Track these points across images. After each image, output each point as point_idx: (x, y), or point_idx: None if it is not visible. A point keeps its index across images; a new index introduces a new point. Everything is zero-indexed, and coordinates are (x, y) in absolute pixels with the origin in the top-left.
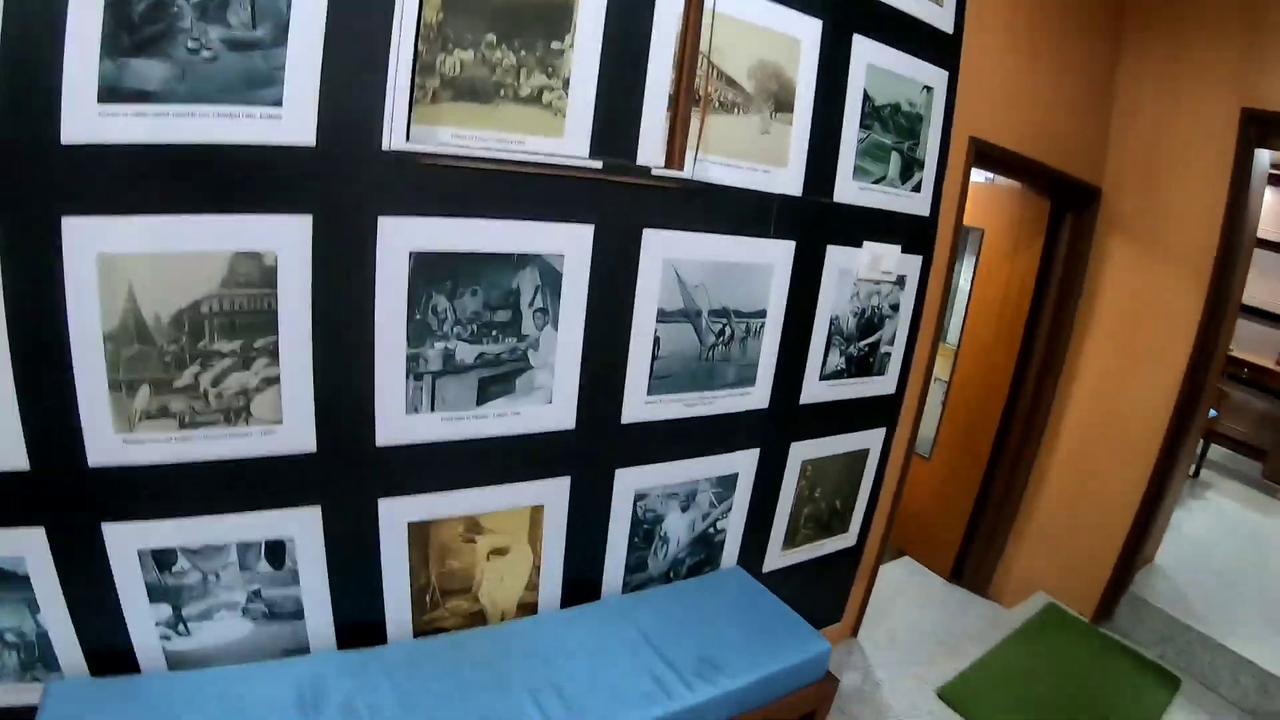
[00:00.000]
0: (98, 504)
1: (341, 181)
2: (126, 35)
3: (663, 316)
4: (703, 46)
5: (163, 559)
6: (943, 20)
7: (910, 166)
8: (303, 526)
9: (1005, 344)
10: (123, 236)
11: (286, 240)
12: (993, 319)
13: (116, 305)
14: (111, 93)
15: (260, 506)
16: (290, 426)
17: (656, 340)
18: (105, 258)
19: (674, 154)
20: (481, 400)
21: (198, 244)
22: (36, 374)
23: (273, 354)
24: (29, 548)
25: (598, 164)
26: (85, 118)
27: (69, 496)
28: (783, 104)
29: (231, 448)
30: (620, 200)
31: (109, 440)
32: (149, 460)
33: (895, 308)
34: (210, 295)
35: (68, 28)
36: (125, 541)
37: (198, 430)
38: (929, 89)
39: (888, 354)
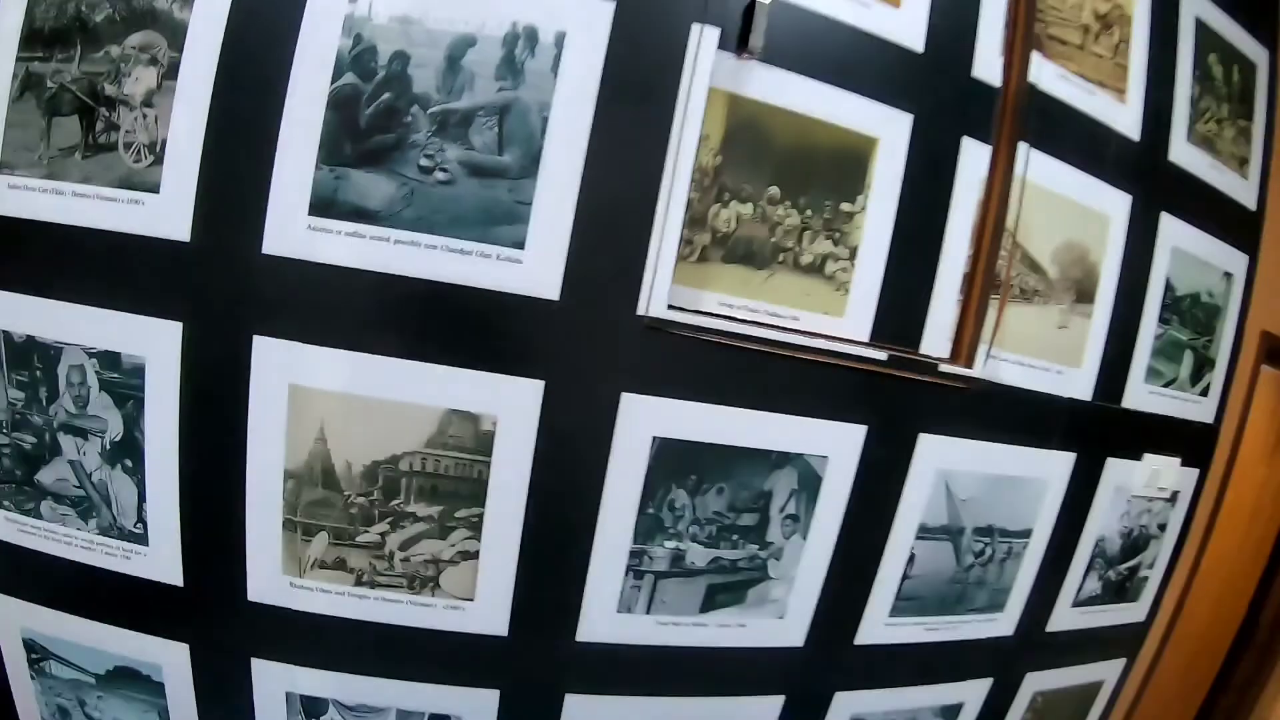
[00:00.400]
0: (252, 638)
1: (585, 347)
2: (350, 143)
3: (923, 532)
4: (1008, 221)
5: (313, 707)
6: (1246, 195)
7: (1202, 367)
8: (476, 709)
9: (1250, 560)
10: (320, 369)
11: (511, 405)
12: (1239, 530)
13: (304, 443)
14: (325, 206)
15: (434, 680)
16: (482, 606)
17: (911, 558)
18: (298, 390)
19: (963, 347)
20: (706, 608)
21: (406, 393)
22: (205, 492)
23: (475, 527)
24: (169, 660)
25: (881, 354)
26: (292, 230)
27: (221, 623)
28: (1083, 293)
29: (411, 616)
30: (898, 397)
31: (275, 579)
32: (315, 609)
33: (1163, 528)
34: (412, 452)
35: (283, 125)
36: (275, 681)
37: (375, 591)
38: (1228, 275)
39: (1145, 578)
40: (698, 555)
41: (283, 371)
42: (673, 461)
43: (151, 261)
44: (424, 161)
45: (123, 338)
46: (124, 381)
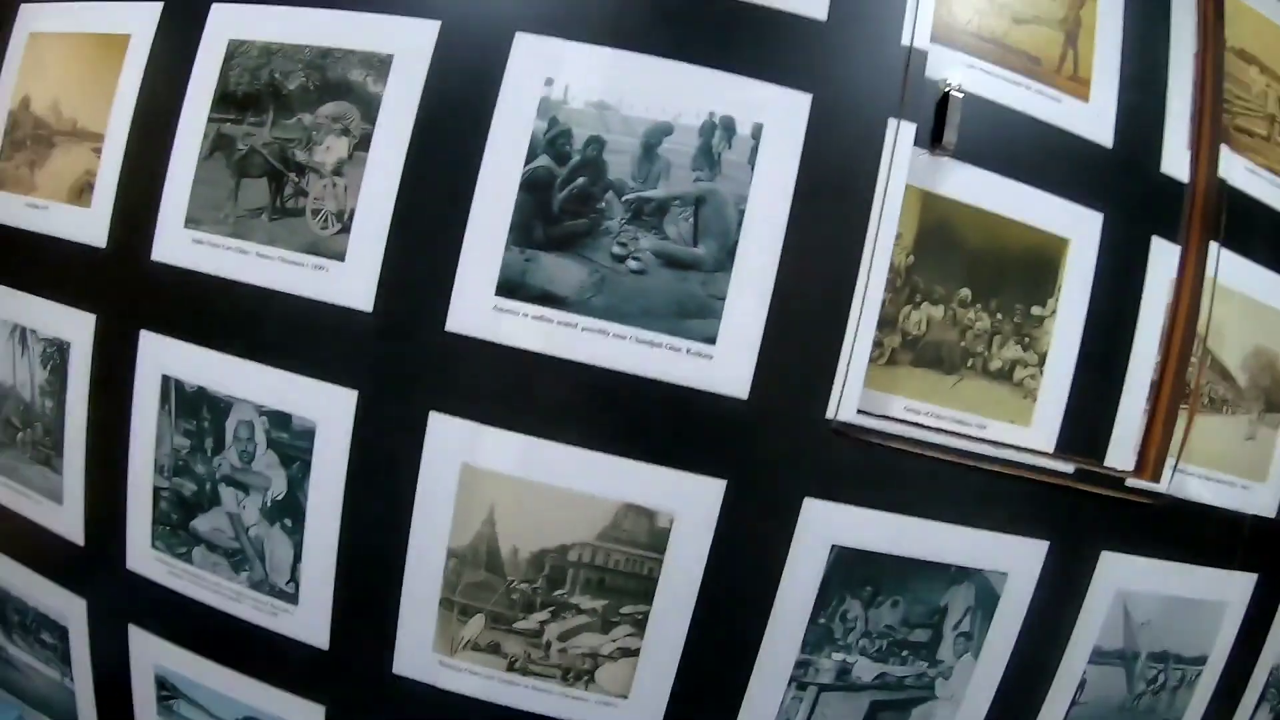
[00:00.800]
0: (392, 710)
1: (771, 449)
2: (541, 225)
3: (1096, 656)
4: (1199, 325)
5: None
6: None
7: None
8: None
9: None
10: (495, 451)
11: (690, 504)
12: None
13: (472, 524)
14: (513, 288)
15: None
16: (636, 705)
17: (1082, 683)
18: (470, 470)
19: (1149, 459)
20: None
21: (581, 483)
22: (363, 560)
23: (639, 624)
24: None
25: (1068, 467)
26: (477, 309)
27: (362, 691)
28: (1272, 402)
29: (560, 707)
30: (1081, 512)
31: (424, 655)
32: (462, 689)
33: None
34: (583, 544)
35: (474, 203)
36: None
37: (527, 679)
38: None
39: None
40: (864, 670)
41: (457, 450)
42: (850, 571)
43: (332, 328)
44: (617, 249)
45: (296, 400)
46: (292, 443)
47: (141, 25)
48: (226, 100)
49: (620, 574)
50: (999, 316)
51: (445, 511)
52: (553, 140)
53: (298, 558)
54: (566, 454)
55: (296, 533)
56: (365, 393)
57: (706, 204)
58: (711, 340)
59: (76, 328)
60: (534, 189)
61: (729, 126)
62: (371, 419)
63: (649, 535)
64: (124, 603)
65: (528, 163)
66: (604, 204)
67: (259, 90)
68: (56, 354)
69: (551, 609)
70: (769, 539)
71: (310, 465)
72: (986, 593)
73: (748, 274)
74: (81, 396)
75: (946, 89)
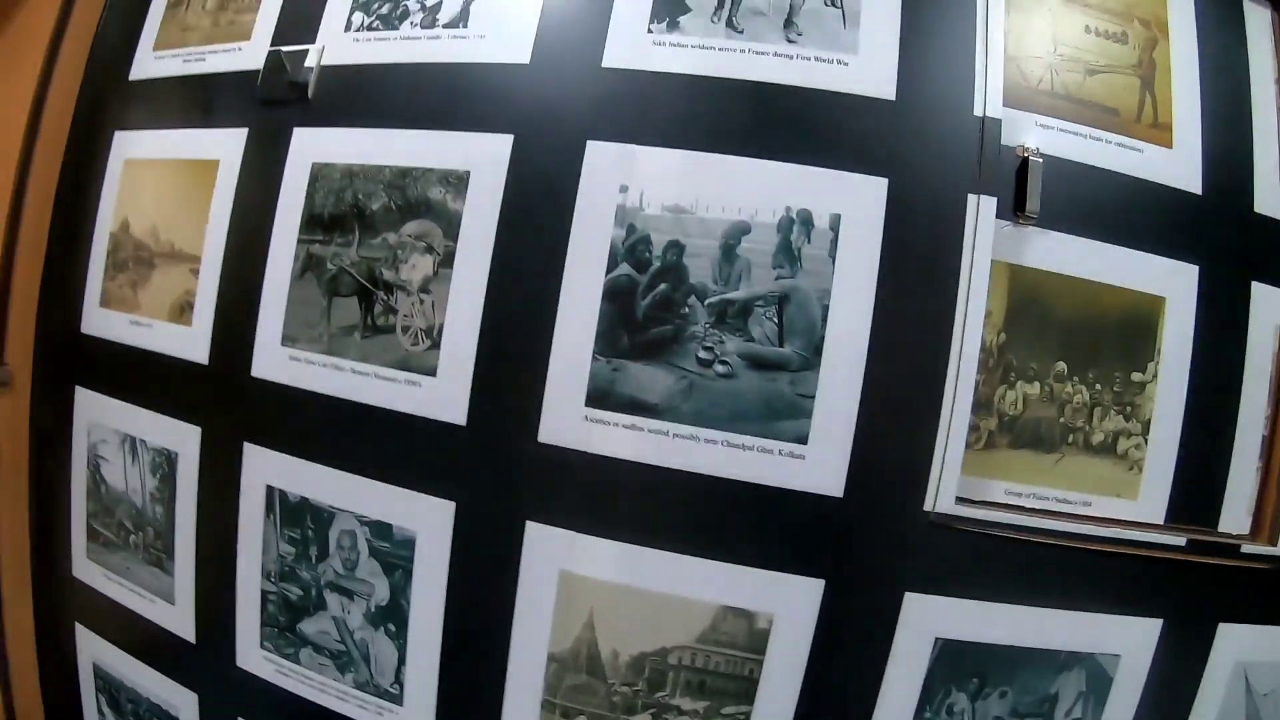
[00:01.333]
0: None
1: (869, 545)
2: (626, 334)
3: None
4: None
5: None
6: None
7: None
8: None
9: None
10: (591, 558)
11: (789, 604)
12: None
13: (571, 629)
14: (602, 397)
15: None
16: None
17: None
18: (568, 577)
19: (1264, 520)
20: None
21: (679, 587)
22: (465, 664)
23: None
24: None
25: (1179, 539)
26: (568, 420)
27: None
28: None
29: None
30: (1195, 583)
31: None
32: None
33: None
34: (682, 647)
35: (559, 315)
36: None
37: None
38: None
39: None
40: None
41: (554, 558)
42: (955, 663)
43: (428, 441)
44: (703, 354)
45: (396, 510)
46: (394, 552)
47: (229, 151)
48: (314, 222)
49: (721, 675)
50: (1098, 387)
51: (545, 617)
52: (632, 248)
53: (402, 660)
54: (662, 559)
55: (400, 637)
56: (463, 503)
57: (790, 301)
58: (803, 440)
59: (183, 439)
60: (617, 297)
61: (806, 220)
62: (470, 528)
63: (748, 636)
64: (234, 697)
65: (609, 271)
66: (687, 309)
67: (344, 211)
68: (165, 463)
69: (653, 711)
70: (871, 636)
71: (411, 573)
72: (1099, 676)
73: (835, 369)
74: (190, 504)
75: (1024, 155)
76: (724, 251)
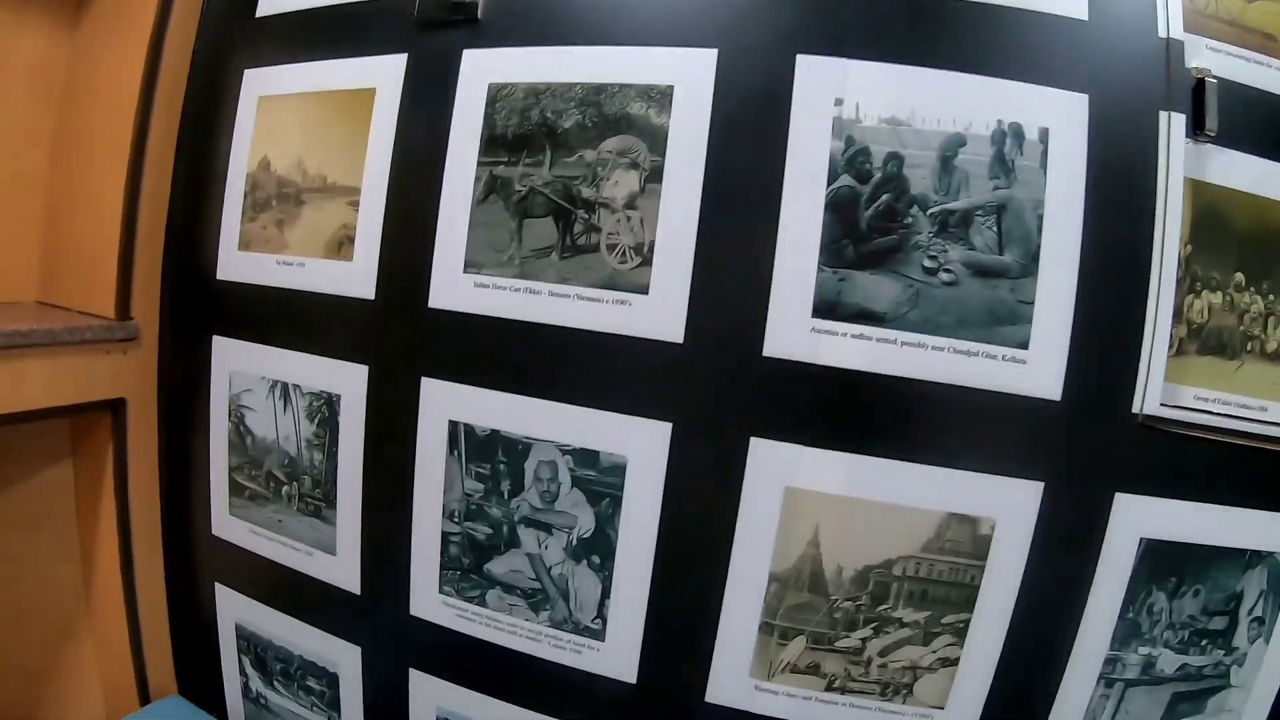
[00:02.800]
0: None
1: (1080, 447)
2: (851, 245)
3: None
4: None
5: None
6: None
7: None
8: None
9: None
10: (818, 472)
11: (1008, 508)
12: None
13: (795, 547)
14: (829, 308)
15: None
16: (954, 714)
17: None
18: (793, 492)
19: None
20: (1169, 717)
21: (906, 497)
22: (678, 591)
23: (958, 633)
24: None
25: None
26: (794, 333)
27: None
28: None
29: None
30: None
31: (739, 681)
32: (777, 712)
33: None
34: (907, 557)
35: (780, 228)
36: None
37: (845, 696)
38: None
39: None
40: (1168, 662)
41: (780, 473)
42: (1157, 563)
43: (640, 362)
44: (928, 263)
45: (603, 436)
46: (600, 480)
47: (386, 78)
48: (497, 143)
49: (943, 584)
50: (1270, 298)
51: (767, 536)
52: (851, 159)
53: (606, 594)
54: (890, 468)
55: (604, 569)
56: (679, 424)
57: (1007, 211)
58: (1024, 345)
59: (347, 380)
60: (839, 208)
61: (1018, 133)
62: (687, 449)
63: (972, 543)
64: (405, 648)
65: (830, 183)
66: (911, 218)
67: (531, 131)
68: (325, 407)
69: (874, 625)
70: (1084, 537)
71: (621, 501)
72: (1278, 575)
73: (1052, 277)
74: (354, 448)
75: (1201, 75)
76: (942, 163)
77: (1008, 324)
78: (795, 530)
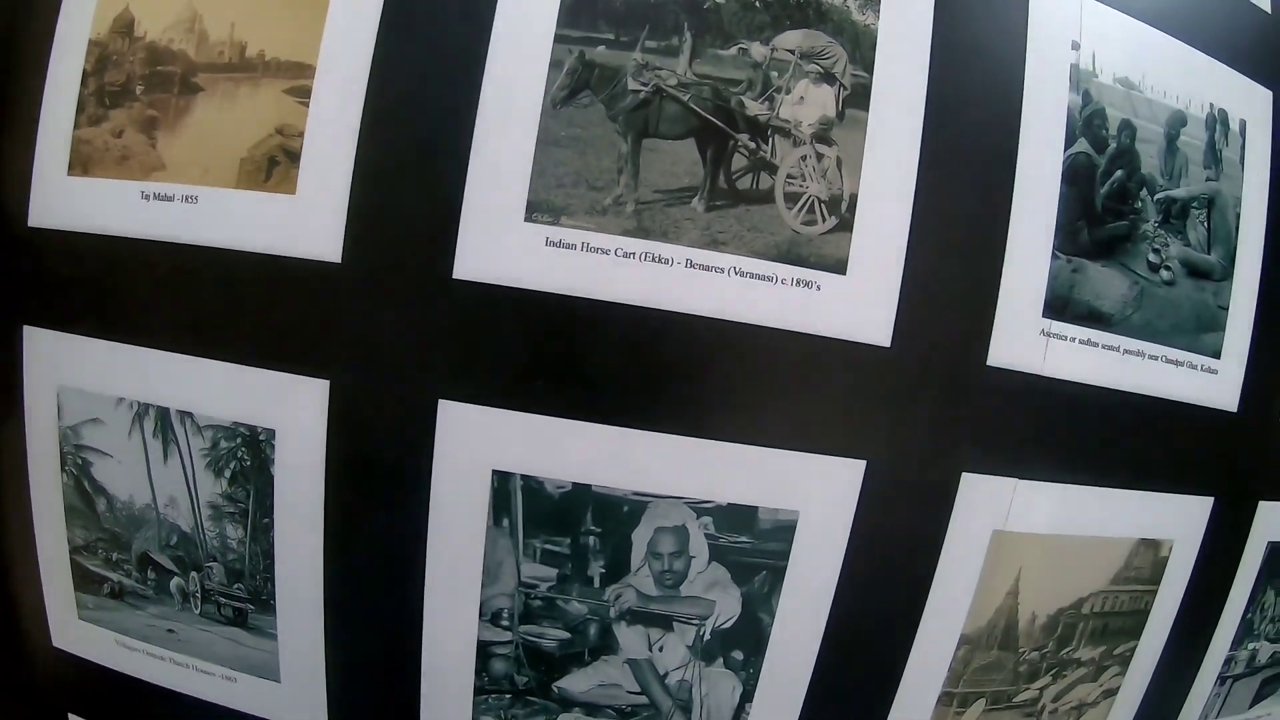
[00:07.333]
0: None
1: (1248, 458)
2: (1086, 227)
3: None
4: None
5: None
6: None
7: None
8: None
9: None
10: (1028, 510)
11: (1186, 527)
12: None
13: (992, 600)
14: (1061, 306)
15: None
16: None
17: None
18: (1002, 537)
19: None
20: (1254, 702)
21: (1107, 527)
22: (838, 678)
23: (1124, 662)
24: None
25: None
26: (1022, 337)
27: None
28: None
29: None
30: None
31: None
32: None
33: None
34: (1096, 593)
35: (1015, 200)
36: None
37: None
38: None
39: None
40: (1265, 653)
41: (991, 515)
42: (1275, 564)
43: (829, 372)
44: (1152, 257)
45: (768, 486)
46: (756, 547)
47: None
48: (589, 7)
49: (1121, 615)
50: None
51: (967, 591)
52: (1089, 120)
53: (747, 698)
54: (1093, 497)
55: (750, 666)
56: (874, 461)
57: (1214, 205)
58: (1217, 354)
59: (288, 404)
60: (1076, 180)
61: (1225, 121)
62: (878, 497)
63: (1151, 568)
64: None
65: (1067, 147)
66: (1140, 202)
67: None
68: (244, 450)
69: (1054, 671)
70: (1234, 548)
71: (784, 574)
72: None
73: (1243, 282)
74: (309, 517)
75: None
76: (1168, 142)
77: (1207, 330)
78: (994, 582)
